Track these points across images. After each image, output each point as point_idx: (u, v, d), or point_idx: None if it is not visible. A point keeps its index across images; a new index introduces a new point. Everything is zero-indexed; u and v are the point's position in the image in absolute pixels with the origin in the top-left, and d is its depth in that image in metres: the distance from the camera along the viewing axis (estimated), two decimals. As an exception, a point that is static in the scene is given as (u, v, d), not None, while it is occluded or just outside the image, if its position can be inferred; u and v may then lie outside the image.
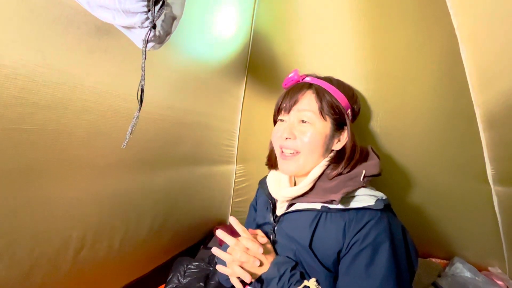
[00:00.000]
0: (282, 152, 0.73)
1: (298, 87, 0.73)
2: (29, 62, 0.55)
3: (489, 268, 1.06)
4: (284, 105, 0.73)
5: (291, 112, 0.72)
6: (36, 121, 0.59)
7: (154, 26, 0.46)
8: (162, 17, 0.47)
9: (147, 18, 0.44)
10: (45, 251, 0.71)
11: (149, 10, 0.44)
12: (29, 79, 0.55)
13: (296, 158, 0.70)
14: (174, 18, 0.49)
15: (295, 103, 0.71)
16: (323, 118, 0.69)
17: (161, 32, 0.48)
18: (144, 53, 0.48)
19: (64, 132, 0.65)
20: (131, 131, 0.53)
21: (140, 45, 0.49)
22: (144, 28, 0.46)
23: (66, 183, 0.72)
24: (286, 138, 0.70)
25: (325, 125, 0.70)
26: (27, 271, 0.68)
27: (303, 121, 0.70)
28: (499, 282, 0.99)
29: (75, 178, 0.73)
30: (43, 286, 0.72)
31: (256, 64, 1.15)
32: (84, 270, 0.82)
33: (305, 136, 0.69)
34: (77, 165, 0.72)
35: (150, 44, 0.48)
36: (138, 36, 0.48)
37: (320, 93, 0.70)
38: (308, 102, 0.71)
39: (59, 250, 0.74)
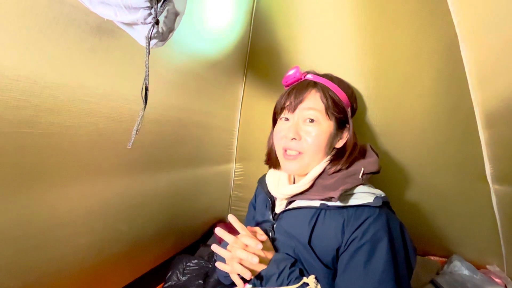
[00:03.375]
0: (285, 152, 0.72)
1: (303, 85, 0.72)
2: (30, 63, 0.53)
3: (487, 266, 1.06)
4: (288, 103, 0.72)
5: (296, 111, 0.71)
6: (39, 124, 0.57)
7: (157, 22, 0.45)
8: (164, 13, 0.46)
9: (150, 14, 0.44)
10: (54, 256, 0.69)
11: (151, 6, 0.44)
12: (31, 80, 0.53)
13: (300, 157, 0.70)
14: (176, 15, 0.49)
15: (300, 102, 0.70)
16: (328, 117, 0.69)
17: (164, 28, 0.47)
18: (147, 50, 0.48)
19: (67, 135, 0.63)
20: (137, 131, 0.52)
21: (142, 42, 0.48)
22: (147, 24, 0.45)
23: (71, 188, 0.69)
24: (292, 139, 0.69)
25: (330, 124, 0.70)
26: (35, 280, 0.66)
27: (310, 120, 0.69)
28: (497, 280, 0.99)
29: (80, 183, 0.71)
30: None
31: (255, 61, 1.15)
32: (90, 275, 0.81)
33: (310, 137, 0.68)
34: (82, 169, 0.70)
35: (153, 42, 0.48)
36: (140, 33, 0.48)
37: (325, 92, 0.70)
38: (313, 101, 0.70)
39: (67, 258, 0.73)
